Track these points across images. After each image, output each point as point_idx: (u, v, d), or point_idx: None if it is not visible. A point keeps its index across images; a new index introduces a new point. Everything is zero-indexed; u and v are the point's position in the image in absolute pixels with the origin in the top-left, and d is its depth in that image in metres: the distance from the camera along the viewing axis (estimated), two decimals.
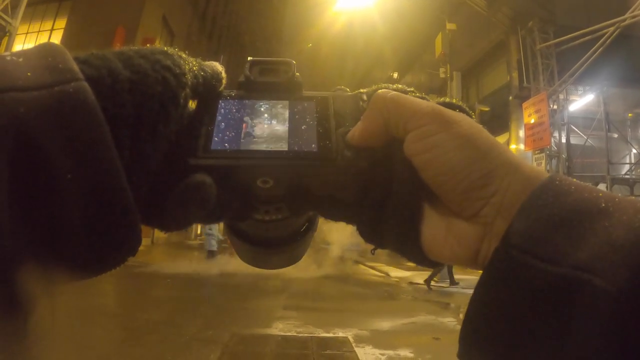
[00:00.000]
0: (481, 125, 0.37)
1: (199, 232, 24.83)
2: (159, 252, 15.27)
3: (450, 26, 14.72)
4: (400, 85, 0.44)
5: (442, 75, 14.67)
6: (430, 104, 0.37)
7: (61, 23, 16.52)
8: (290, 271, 9.19)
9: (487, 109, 14.47)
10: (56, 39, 15.83)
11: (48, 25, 16.65)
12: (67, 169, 0.29)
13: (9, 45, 10.34)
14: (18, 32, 10.79)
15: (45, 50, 0.33)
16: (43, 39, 15.23)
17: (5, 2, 9.89)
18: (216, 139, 0.39)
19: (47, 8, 16.66)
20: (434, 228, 0.36)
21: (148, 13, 17.30)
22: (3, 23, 10.00)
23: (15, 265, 0.28)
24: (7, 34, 10.26)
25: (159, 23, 18.94)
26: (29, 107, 0.28)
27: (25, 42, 15.42)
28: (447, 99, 0.41)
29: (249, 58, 0.47)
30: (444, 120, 0.35)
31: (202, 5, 25.06)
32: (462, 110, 0.39)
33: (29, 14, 13.62)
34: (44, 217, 0.29)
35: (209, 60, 0.44)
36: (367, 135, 0.39)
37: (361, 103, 0.43)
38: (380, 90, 0.40)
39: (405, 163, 0.37)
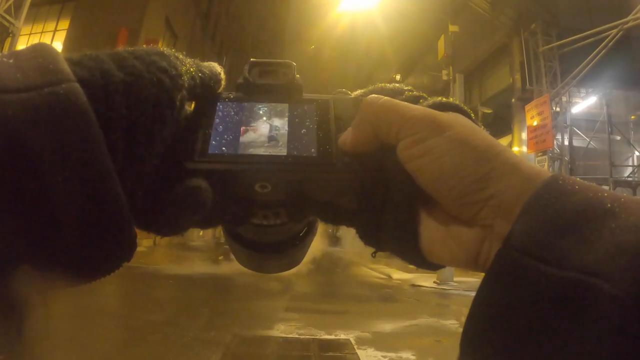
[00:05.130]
0: (477, 126, 0.36)
1: (200, 233, 24.77)
2: (161, 254, 15.25)
3: (452, 28, 14.65)
4: (397, 85, 0.43)
5: (444, 78, 14.60)
6: (422, 109, 0.36)
7: (64, 24, 16.53)
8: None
9: (489, 111, 14.44)
10: (59, 40, 15.87)
11: (51, 26, 16.67)
12: (57, 172, 0.28)
13: (12, 46, 10.34)
14: (21, 33, 10.81)
15: (36, 51, 0.32)
16: (46, 40, 15.23)
17: (9, 3, 9.91)
18: (214, 142, 0.39)
19: (50, 9, 16.68)
20: (433, 231, 0.36)
21: (151, 15, 17.30)
22: (6, 24, 10.03)
23: (9, 269, 0.27)
24: (10, 35, 10.28)
25: (162, 24, 18.96)
26: (17, 109, 0.28)
27: (28, 43, 15.27)
28: (443, 99, 0.40)
29: (251, 59, 0.46)
30: (437, 125, 0.35)
31: (205, 6, 25.07)
32: (457, 109, 0.38)
33: (32, 15, 13.66)
34: (36, 222, 0.28)
35: (211, 61, 0.44)
36: (358, 143, 0.38)
37: None
38: (369, 97, 0.39)
39: (399, 168, 0.36)
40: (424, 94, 0.41)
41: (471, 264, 0.35)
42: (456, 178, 0.33)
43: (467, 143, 0.34)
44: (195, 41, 23.13)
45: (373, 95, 0.39)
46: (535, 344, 0.27)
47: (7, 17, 9.99)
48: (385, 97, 0.38)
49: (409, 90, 0.42)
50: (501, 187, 0.32)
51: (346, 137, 0.39)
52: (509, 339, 0.28)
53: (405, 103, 0.38)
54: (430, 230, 0.36)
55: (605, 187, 0.31)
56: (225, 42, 30.17)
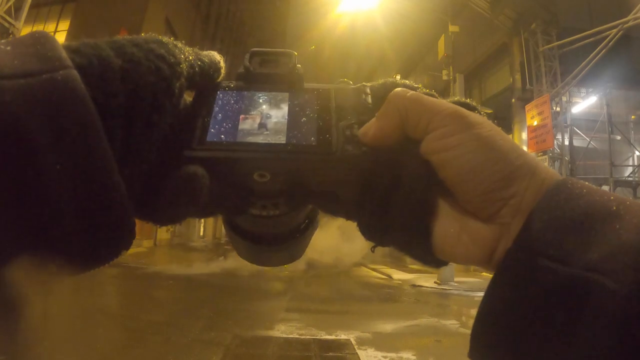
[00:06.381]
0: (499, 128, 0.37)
1: (201, 233, 24.77)
2: (162, 254, 15.24)
3: (453, 28, 14.65)
4: (408, 82, 0.43)
5: (444, 78, 14.59)
6: (451, 104, 0.37)
7: (64, 25, 16.55)
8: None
9: (490, 111, 14.41)
10: (60, 40, 15.85)
11: (51, 27, 16.67)
12: (55, 159, 0.28)
13: None
14: (21, 34, 10.80)
15: (34, 38, 0.32)
16: None
17: (9, 4, 9.91)
18: (212, 130, 0.38)
19: (50, 10, 16.72)
20: (447, 226, 0.36)
21: (151, 15, 17.33)
22: (6, 25, 10.02)
23: (8, 258, 0.27)
24: (11, 36, 10.28)
25: (162, 25, 18.96)
26: (15, 95, 0.27)
27: None
28: (463, 99, 0.40)
29: (252, 49, 0.46)
30: (466, 121, 0.35)
31: (205, 7, 25.09)
32: (475, 110, 0.39)
33: (32, 16, 13.68)
34: (34, 209, 0.28)
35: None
36: (383, 134, 0.38)
37: (364, 96, 0.42)
38: (398, 89, 0.39)
39: (420, 160, 0.36)
40: (435, 94, 0.41)
41: (485, 262, 0.35)
42: (485, 173, 0.34)
43: (494, 142, 0.34)
44: (196, 42, 23.07)
45: (400, 88, 0.39)
46: (542, 337, 0.28)
47: (7, 18, 9.98)
48: (413, 91, 0.38)
49: (420, 89, 0.42)
50: (523, 187, 0.33)
51: (369, 128, 0.39)
52: (516, 334, 0.29)
53: (434, 98, 0.38)
54: (444, 226, 0.36)
55: (606, 187, 0.32)
56: (225, 43, 30.17)
